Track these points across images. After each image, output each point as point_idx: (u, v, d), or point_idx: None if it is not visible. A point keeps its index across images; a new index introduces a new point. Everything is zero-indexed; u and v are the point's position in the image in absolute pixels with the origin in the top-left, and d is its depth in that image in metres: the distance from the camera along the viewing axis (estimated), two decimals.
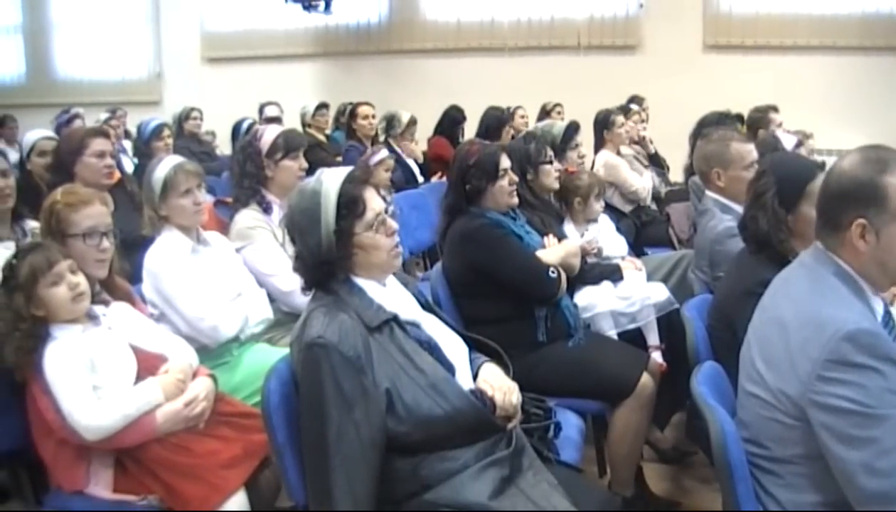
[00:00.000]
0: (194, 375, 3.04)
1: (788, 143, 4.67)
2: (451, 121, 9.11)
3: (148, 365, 2.95)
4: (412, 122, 8.43)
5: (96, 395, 2.76)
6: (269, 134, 4.17)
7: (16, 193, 3.93)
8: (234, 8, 13.07)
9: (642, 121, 8.19)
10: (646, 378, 3.62)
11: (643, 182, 6.92)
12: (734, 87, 9.54)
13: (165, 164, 3.67)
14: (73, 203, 3.14)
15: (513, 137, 8.07)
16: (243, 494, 2.85)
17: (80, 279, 2.90)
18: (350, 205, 2.52)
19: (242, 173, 4.15)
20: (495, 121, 8.52)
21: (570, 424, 3.27)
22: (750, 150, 4.07)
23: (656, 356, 4.01)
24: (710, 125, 5.37)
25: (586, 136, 6.12)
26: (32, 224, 3.92)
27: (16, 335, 2.79)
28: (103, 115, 9.29)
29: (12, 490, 3.21)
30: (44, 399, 2.76)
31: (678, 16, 10.88)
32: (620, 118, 7.16)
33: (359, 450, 2.30)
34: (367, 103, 8.75)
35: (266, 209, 4.07)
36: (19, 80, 14.35)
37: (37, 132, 5.57)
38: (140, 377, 2.89)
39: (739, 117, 6.39)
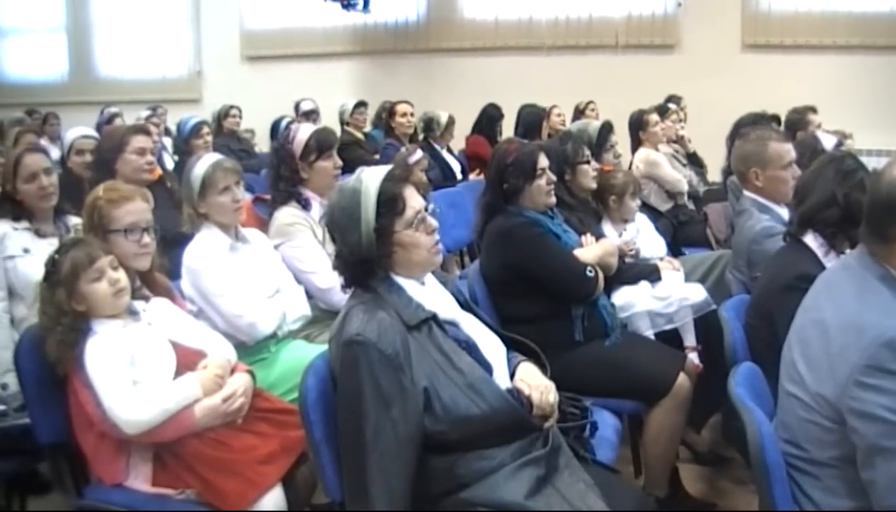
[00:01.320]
0: (232, 371, 3.05)
1: (828, 143, 4.64)
2: (489, 119, 9.14)
3: (187, 360, 2.96)
4: (451, 122, 8.47)
5: (136, 389, 2.78)
6: (301, 135, 4.16)
7: (58, 190, 3.98)
8: (273, 7, 13.12)
9: (680, 120, 8.15)
10: (682, 378, 3.61)
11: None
12: (773, 86, 9.47)
13: (204, 163, 3.70)
14: (115, 199, 3.18)
15: (549, 136, 8.08)
16: (280, 490, 2.87)
17: (121, 275, 2.93)
18: (390, 203, 2.52)
19: (277, 176, 4.16)
20: (534, 119, 8.52)
21: (606, 423, 3.27)
22: (788, 150, 4.04)
23: (693, 357, 3.99)
24: (747, 126, 5.34)
25: (622, 136, 6.10)
26: (74, 220, 3.96)
27: (58, 329, 2.82)
28: (144, 113, 9.37)
29: (54, 481, 3.26)
30: (84, 393, 2.78)
31: (717, 15, 10.81)
32: (654, 117, 7.12)
33: (395, 447, 2.30)
34: (405, 102, 8.77)
35: (305, 206, 4.08)
36: (62, 79, 14.49)
37: (75, 131, 5.61)
38: (179, 372, 2.91)
39: (776, 118, 6.33)
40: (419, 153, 6.31)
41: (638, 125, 7.08)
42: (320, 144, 4.13)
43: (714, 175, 7.35)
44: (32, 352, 2.91)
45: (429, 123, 8.40)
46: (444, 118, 8.44)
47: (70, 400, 2.86)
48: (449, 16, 12.44)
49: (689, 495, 3.95)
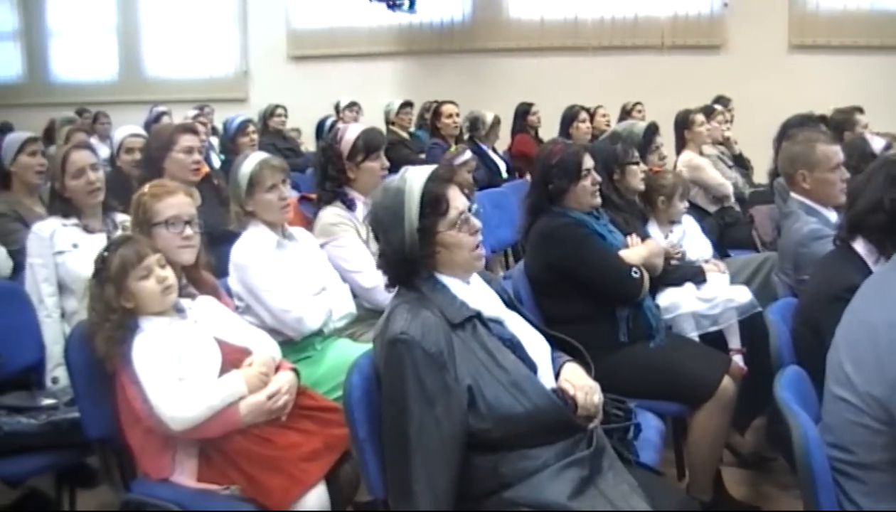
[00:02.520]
0: (277, 369, 3.06)
1: (877, 145, 4.59)
2: (522, 115, 9.17)
3: (232, 358, 2.98)
4: (496, 122, 8.48)
5: (182, 386, 2.81)
6: (349, 134, 4.16)
7: (105, 187, 4.04)
8: (319, 6, 13.24)
9: (726, 121, 8.10)
10: (727, 381, 3.58)
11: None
12: (820, 87, 9.41)
13: (251, 160, 3.73)
14: (158, 194, 3.23)
15: (595, 137, 8.06)
16: (323, 487, 2.88)
17: (168, 273, 2.96)
18: (433, 203, 2.53)
19: (324, 176, 4.17)
20: (565, 119, 8.55)
21: (650, 425, 3.25)
22: (836, 152, 4.00)
23: (737, 360, 3.96)
24: (794, 127, 5.29)
25: (667, 137, 6.07)
26: (122, 217, 4.03)
27: (106, 326, 2.86)
28: (191, 113, 9.46)
29: (102, 475, 3.31)
30: (132, 389, 2.81)
31: (763, 15, 10.75)
32: (700, 117, 7.08)
33: (439, 446, 2.31)
34: (450, 102, 8.76)
35: (350, 206, 4.09)
36: (112, 79, 14.71)
37: (124, 129, 5.69)
38: (224, 370, 2.92)
39: (823, 119, 6.26)
40: (467, 153, 6.31)
41: (683, 124, 7.03)
42: (368, 145, 4.13)
43: (760, 177, 7.29)
44: (82, 347, 2.95)
45: (474, 123, 8.43)
46: (489, 118, 8.46)
47: (118, 395, 2.89)
48: (494, 16, 12.47)
49: (732, 499, 3.92)
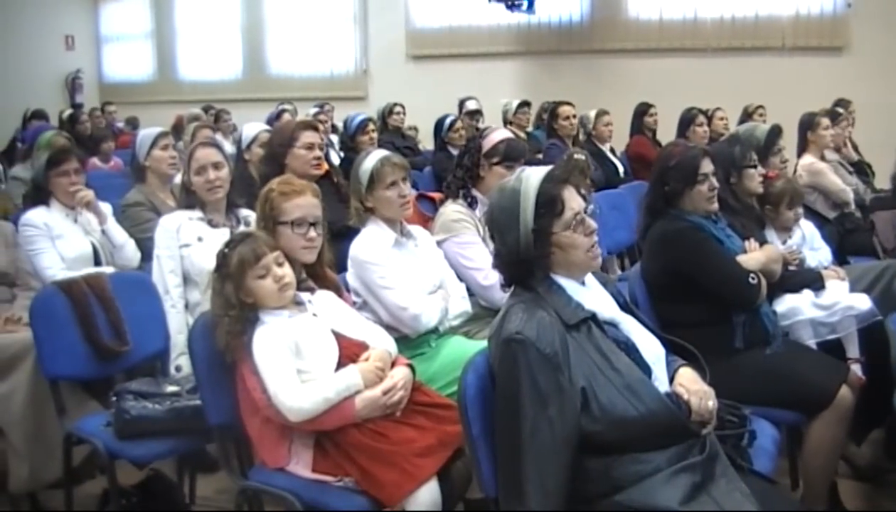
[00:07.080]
0: (393, 364, 3.10)
1: None
2: (640, 116, 9.11)
3: (349, 352, 3.04)
4: (599, 113, 8.55)
5: (300, 378, 2.89)
6: (496, 135, 4.25)
7: (229, 184, 4.17)
8: (439, 6, 13.36)
9: (848, 125, 7.90)
10: (844, 390, 3.50)
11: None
12: None
13: (372, 157, 3.80)
14: (287, 192, 3.29)
15: (712, 140, 7.96)
16: (435, 484, 2.90)
17: (286, 271, 3.03)
18: (549, 204, 2.54)
19: (459, 163, 4.28)
20: (682, 122, 8.47)
21: (765, 433, 3.19)
22: None
23: (856, 369, 3.88)
24: None
25: (789, 141, 5.96)
26: (245, 212, 4.15)
27: (225, 320, 2.95)
28: (312, 110, 9.63)
29: (221, 461, 3.42)
30: (252, 379, 2.90)
31: (888, 15, 10.45)
32: (825, 121, 6.91)
33: (552, 446, 2.32)
34: (567, 103, 8.70)
35: (471, 204, 4.15)
36: (236, 77, 15.13)
37: (256, 125, 5.85)
38: (341, 363, 2.99)
39: None
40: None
41: (808, 126, 6.88)
42: (508, 152, 4.18)
43: (882, 182, 7.11)
44: (204, 337, 3.06)
45: (584, 125, 8.44)
46: (592, 114, 8.51)
47: (238, 385, 2.99)
48: (613, 16, 12.38)
49: None
